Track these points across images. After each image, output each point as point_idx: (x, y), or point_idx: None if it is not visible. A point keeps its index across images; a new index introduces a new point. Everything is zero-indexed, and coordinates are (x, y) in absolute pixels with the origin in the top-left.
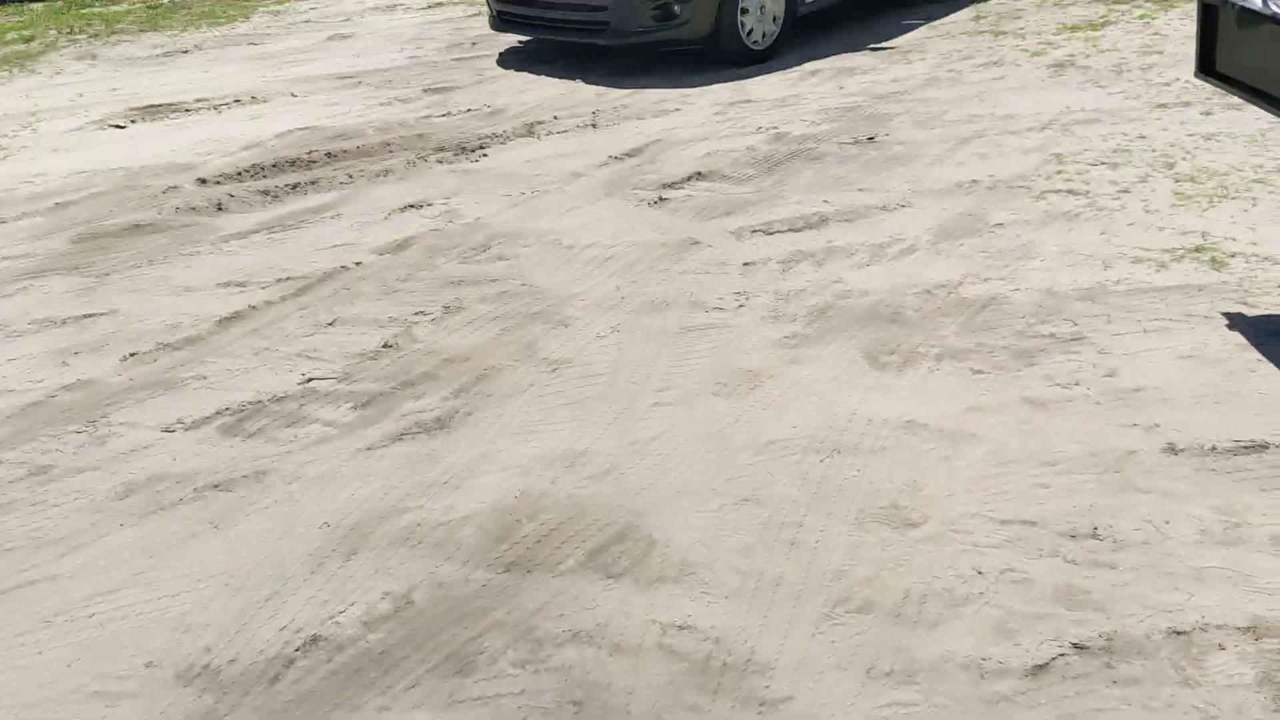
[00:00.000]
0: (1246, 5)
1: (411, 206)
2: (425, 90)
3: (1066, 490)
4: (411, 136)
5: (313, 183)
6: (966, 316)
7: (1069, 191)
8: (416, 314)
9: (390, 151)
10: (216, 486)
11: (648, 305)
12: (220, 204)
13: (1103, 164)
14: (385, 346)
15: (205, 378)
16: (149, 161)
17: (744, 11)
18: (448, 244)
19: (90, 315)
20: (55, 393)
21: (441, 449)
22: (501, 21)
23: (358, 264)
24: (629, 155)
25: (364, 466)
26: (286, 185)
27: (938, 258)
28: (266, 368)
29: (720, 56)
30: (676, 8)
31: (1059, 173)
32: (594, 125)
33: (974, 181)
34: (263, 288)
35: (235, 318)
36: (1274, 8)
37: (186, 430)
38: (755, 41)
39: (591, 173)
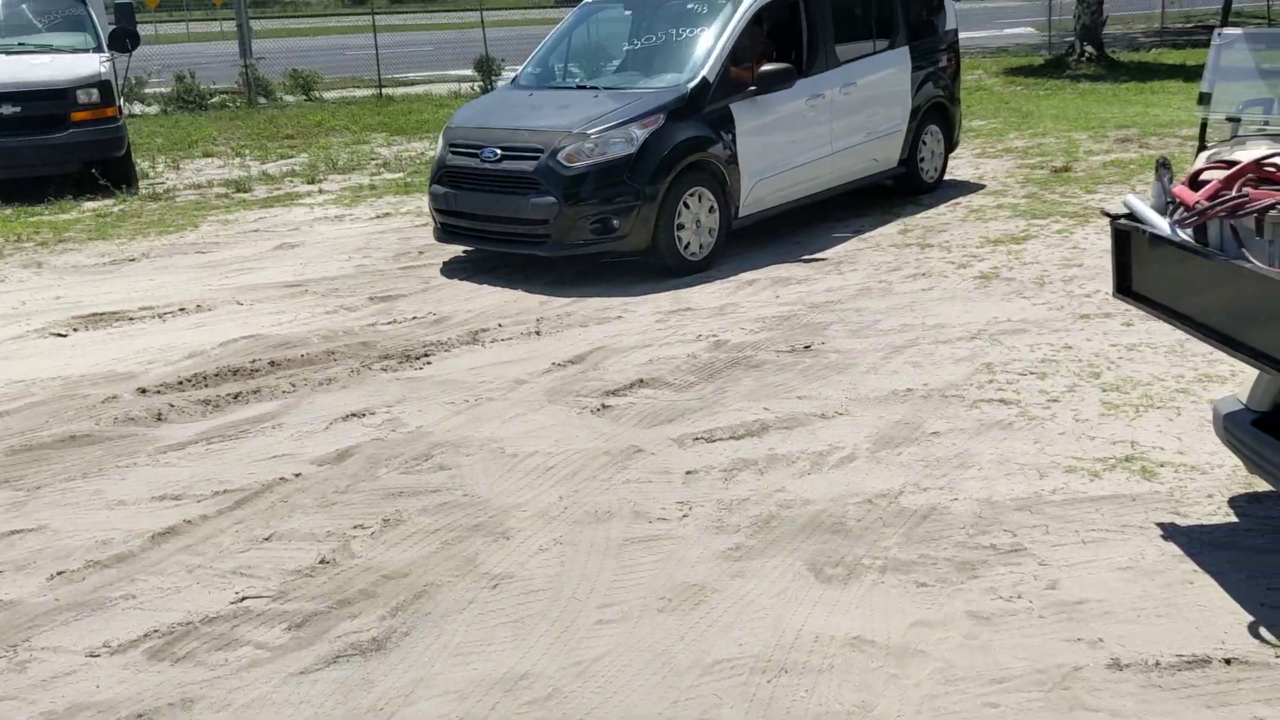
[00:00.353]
0: (1155, 231)
1: (354, 415)
2: (371, 298)
3: (1016, 710)
4: (356, 344)
5: (255, 392)
6: (908, 527)
7: (1001, 401)
8: (355, 527)
9: (334, 360)
10: (140, 717)
11: (590, 516)
12: (160, 414)
13: (1031, 374)
14: (322, 563)
15: (135, 597)
16: (89, 370)
17: (680, 226)
18: (389, 453)
19: (18, 531)
20: None
21: (377, 672)
22: (445, 233)
23: (297, 475)
24: (572, 362)
25: (296, 693)
26: (228, 394)
27: (877, 466)
28: (199, 586)
29: (659, 267)
30: (615, 221)
31: (990, 382)
32: (538, 332)
33: (909, 390)
34: (199, 501)
35: (169, 533)
36: (1181, 234)
37: (112, 654)
38: (693, 253)
39: (535, 380)
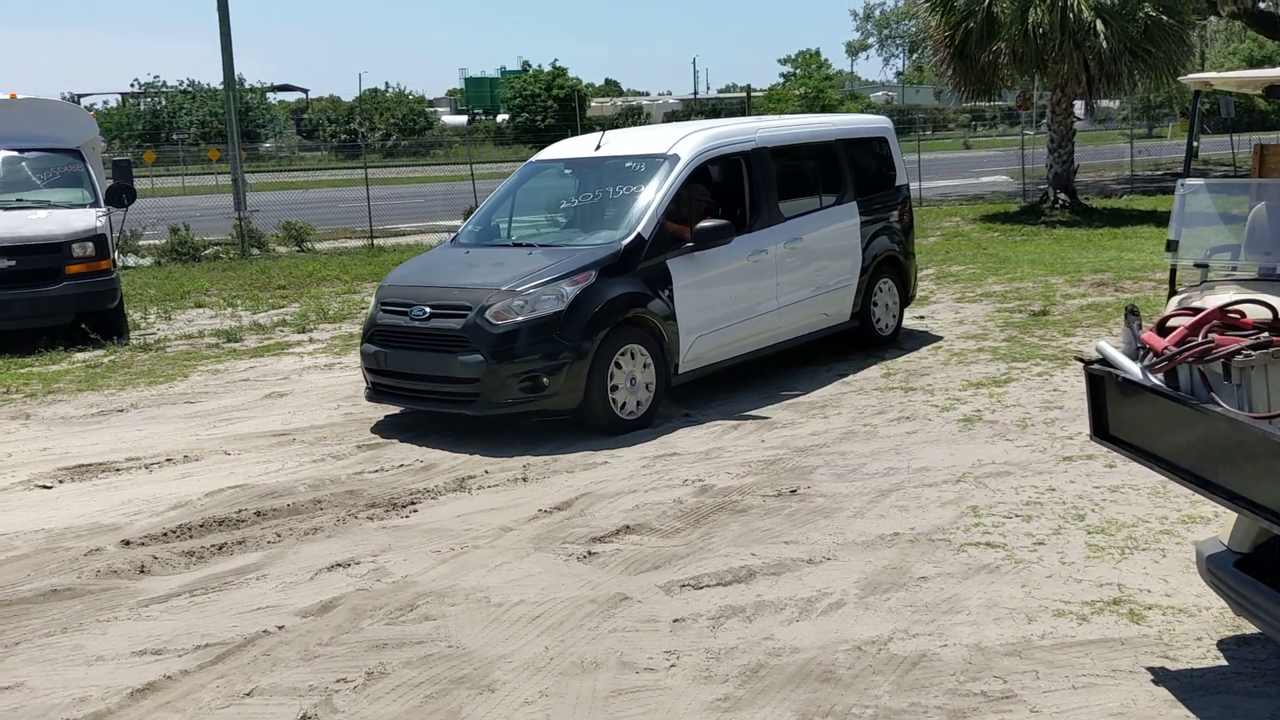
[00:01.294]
0: (1127, 376)
1: (339, 565)
2: (359, 446)
3: None
4: (343, 493)
5: (240, 542)
6: (898, 674)
7: (987, 544)
8: (338, 681)
9: (321, 509)
10: None
11: (577, 667)
12: (143, 566)
13: (1017, 516)
14: (304, 718)
15: None
16: (73, 523)
17: (614, 384)
18: (374, 604)
19: None
20: None
21: None
22: (376, 392)
23: (280, 628)
24: (558, 509)
25: None
26: (213, 546)
27: (866, 612)
28: None
29: (592, 426)
30: (545, 379)
31: (976, 525)
32: (524, 479)
33: (896, 534)
34: (179, 655)
35: (148, 689)
36: (1152, 379)
37: None
38: (629, 411)
39: (521, 527)
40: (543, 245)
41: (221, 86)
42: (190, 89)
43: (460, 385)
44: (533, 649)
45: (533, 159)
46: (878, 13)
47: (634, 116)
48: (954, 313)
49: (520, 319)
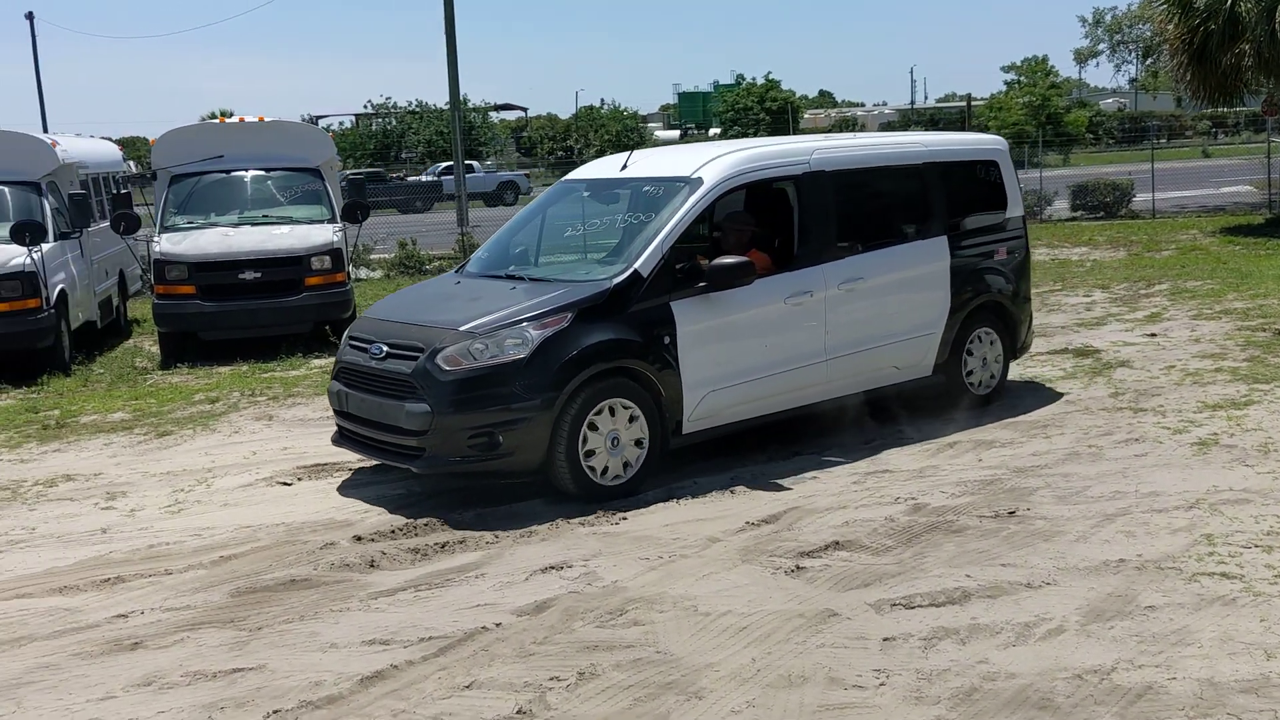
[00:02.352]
0: None
1: (552, 568)
2: None
3: None
4: (556, 498)
5: (460, 542)
6: (1121, 706)
7: (1223, 574)
8: (551, 679)
9: (535, 513)
10: None
11: (784, 680)
12: (373, 561)
13: (1256, 546)
14: (519, 713)
15: None
16: (310, 518)
17: (590, 453)
18: (585, 607)
19: (240, 670)
20: None
21: None
22: (340, 436)
23: (497, 625)
24: (766, 522)
25: None
26: (436, 544)
27: (1087, 640)
28: None
29: (561, 491)
30: (500, 436)
31: (1211, 554)
32: (732, 491)
33: (1122, 560)
34: (405, 647)
35: (377, 677)
36: None
37: None
38: (612, 475)
39: (729, 538)
40: (535, 279)
41: (447, 106)
42: (418, 109)
43: (406, 437)
44: (740, 659)
45: (564, 179)
46: (1108, 18)
47: (848, 128)
48: (1189, 330)
49: (474, 365)
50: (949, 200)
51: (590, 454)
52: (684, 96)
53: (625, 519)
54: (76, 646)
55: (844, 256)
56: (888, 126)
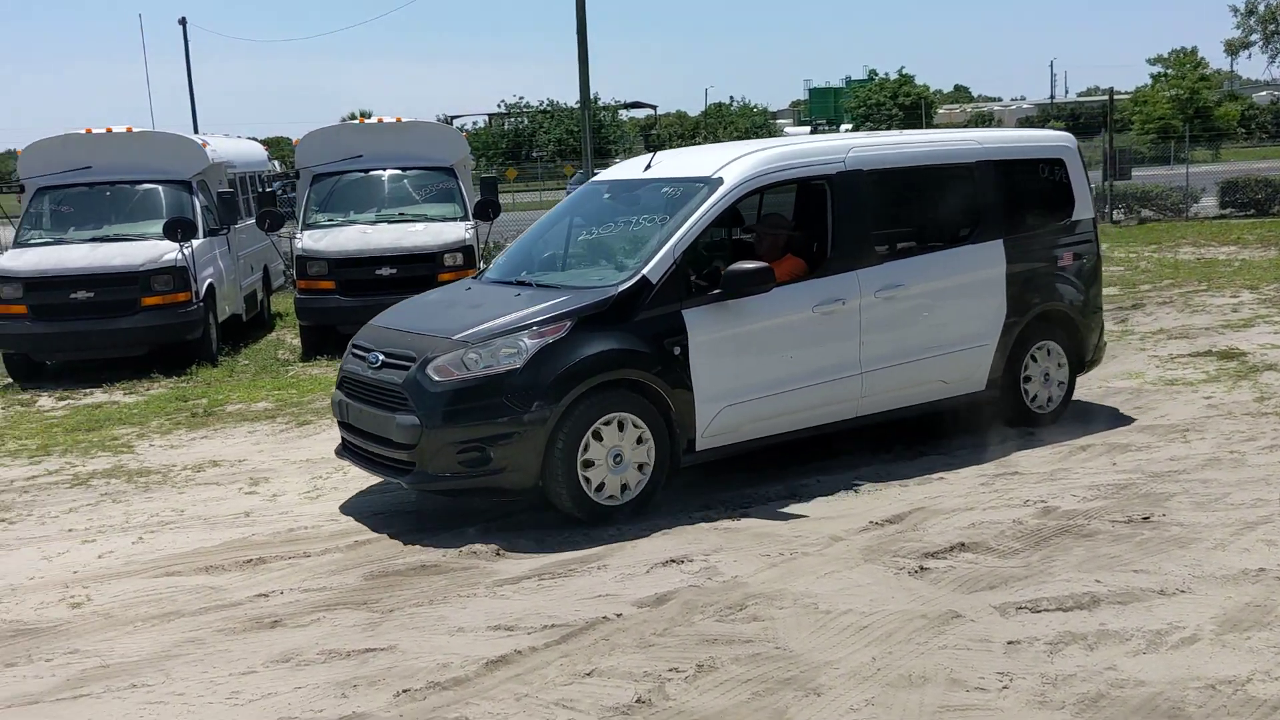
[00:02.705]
0: None
1: (673, 561)
2: None
3: None
4: (679, 488)
5: (584, 534)
6: (1256, 718)
7: None
8: (670, 670)
9: (657, 507)
10: None
11: (904, 680)
12: (499, 550)
13: None
14: (638, 702)
15: (467, 718)
16: (440, 506)
17: (591, 471)
18: (705, 601)
19: (371, 650)
20: None
21: None
22: (343, 448)
23: (618, 615)
24: (890, 521)
25: None
26: (560, 536)
27: (1222, 650)
28: (525, 714)
29: (561, 512)
30: (491, 452)
31: None
32: (855, 490)
33: (1262, 570)
34: (529, 633)
35: (501, 661)
36: None
37: None
38: (612, 495)
39: (851, 537)
40: (542, 285)
41: (577, 105)
42: (549, 109)
43: (397, 450)
44: (859, 658)
45: (591, 180)
46: (1261, 7)
47: (984, 122)
48: None
49: (466, 376)
50: (1006, 202)
51: (591, 472)
52: (815, 92)
53: (747, 514)
54: (221, 623)
55: (883, 262)
56: (1026, 122)
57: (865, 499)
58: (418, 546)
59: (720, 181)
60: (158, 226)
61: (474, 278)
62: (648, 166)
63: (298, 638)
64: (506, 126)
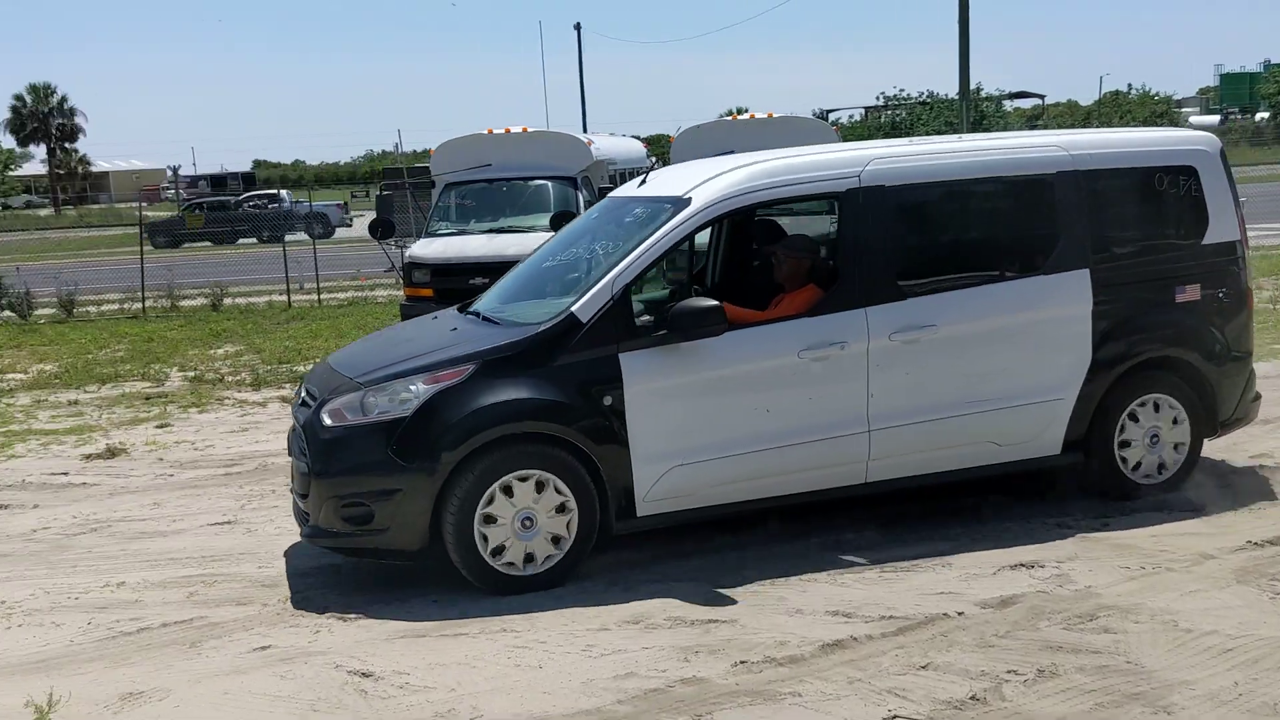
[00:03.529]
0: None
1: (1022, 565)
2: None
3: None
4: (1033, 495)
5: (931, 531)
6: None
7: None
8: (1009, 672)
9: (1010, 511)
10: None
11: (1268, 708)
12: (840, 540)
13: None
14: (972, 699)
15: (800, 695)
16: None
17: (492, 537)
18: (1053, 608)
19: (714, 621)
20: (673, 684)
21: None
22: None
23: (959, 613)
24: (1271, 543)
25: None
26: (905, 531)
27: None
28: (857, 697)
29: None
30: (374, 508)
31: None
32: (1233, 506)
33: None
34: (866, 622)
35: (836, 645)
36: None
37: None
38: (522, 566)
39: (1224, 556)
40: (487, 319)
41: (957, 96)
42: (928, 100)
43: (302, 500)
44: (1220, 681)
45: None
46: None
47: None
48: None
49: (356, 422)
50: (1099, 222)
51: (493, 538)
52: (1227, 78)
53: (1108, 524)
54: (577, 584)
55: (906, 298)
56: None
57: (1245, 517)
58: (765, 532)
59: (687, 203)
60: (544, 219)
61: (459, 307)
62: (642, 182)
63: (648, 604)
64: (883, 120)
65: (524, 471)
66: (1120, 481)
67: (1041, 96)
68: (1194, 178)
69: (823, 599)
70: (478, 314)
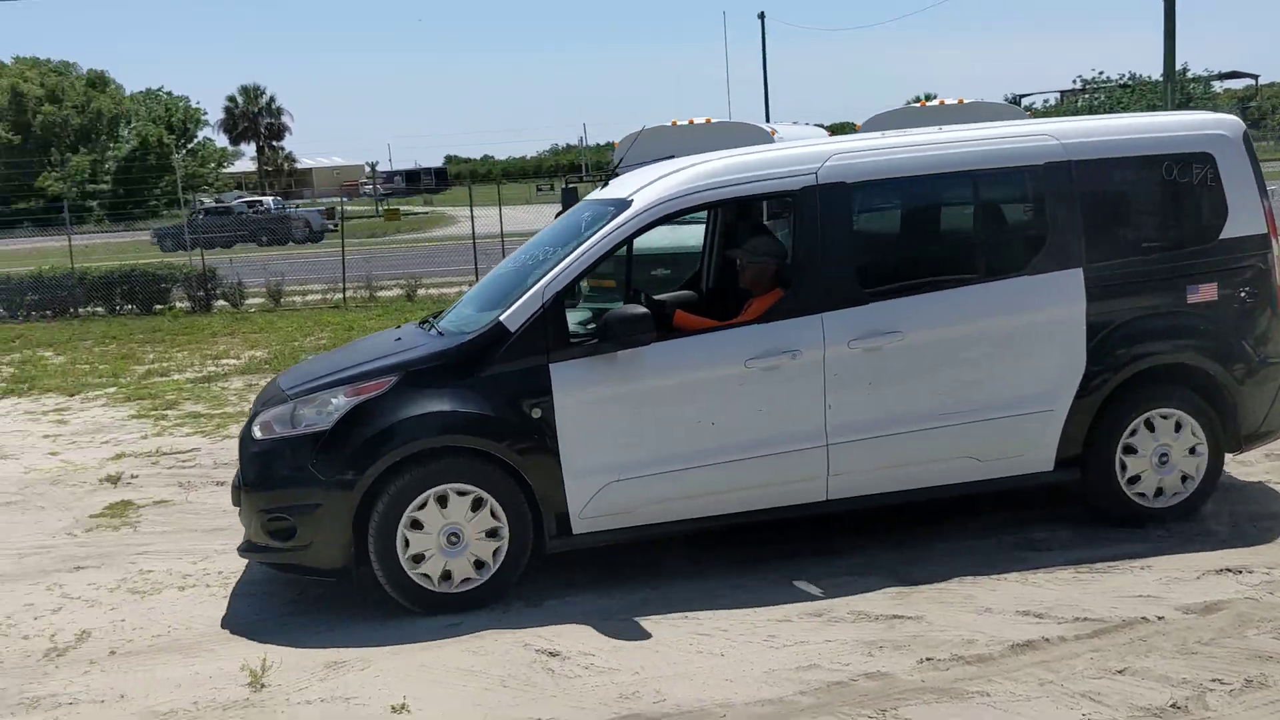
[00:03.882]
0: None
1: (1229, 570)
2: (1266, 455)
3: None
4: (1232, 496)
5: (1133, 531)
6: None
7: None
8: (1213, 680)
9: (1213, 513)
10: None
11: None
12: (1035, 541)
13: None
14: (1173, 706)
15: (989, 695)
16: None
17: (416, 554)
18: (1262, 615)
19: (899, 617)
20: (856, 678)
21: None
22: None
23: (1159, 618)
24: None
25: None
26: (1103, 531)
27: None
28: (1048, 699)
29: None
30: (296, 523)
31: None
32: None
33: None
34: (1059, 623)
35: (1027, 646)
36: None
37: None
38: (451, 582)
39: None
40: (438, 331)
41: (1161, 78)
42: (1130, 83)
43: (237, 514)
44: None
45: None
46: None
47: None
48: None
49: (282, 434)
50: (1094, 216)
51: (416, 554)
52: None
53: None
54: (747, 573)
55: (869, 302)
56: None
57: None
58: (950, 526)
59: (627, 205)
60: None
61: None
62: (603, 184)
63: (832, 599)
64: (1080, 104)
65: (450, 486)
66: (1122, 501)
67: (1255, 77)
68: (1211, 166)
69: (1013, 598)
70: (429, 325)
